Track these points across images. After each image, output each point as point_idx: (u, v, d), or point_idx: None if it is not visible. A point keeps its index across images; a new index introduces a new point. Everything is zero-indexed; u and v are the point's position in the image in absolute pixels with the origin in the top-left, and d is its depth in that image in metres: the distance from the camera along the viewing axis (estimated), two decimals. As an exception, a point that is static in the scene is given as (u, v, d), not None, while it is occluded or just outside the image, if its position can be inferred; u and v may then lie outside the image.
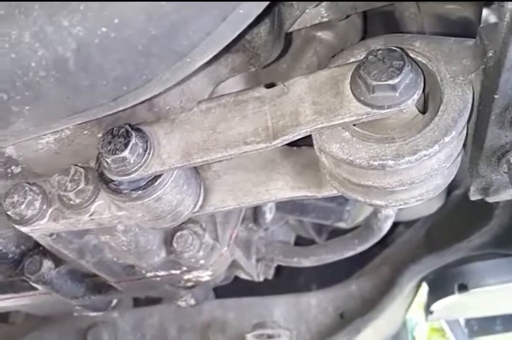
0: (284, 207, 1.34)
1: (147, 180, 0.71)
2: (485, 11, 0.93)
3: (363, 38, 1.02)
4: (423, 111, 0.68)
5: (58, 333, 1.59)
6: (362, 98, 0.62)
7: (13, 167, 0.82)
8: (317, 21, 0.83)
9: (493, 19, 0.94)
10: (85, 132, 0.76)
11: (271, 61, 0.80)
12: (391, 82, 0.60)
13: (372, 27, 1.02)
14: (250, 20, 0.53)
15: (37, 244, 0.99)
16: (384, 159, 0.64)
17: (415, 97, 0.62)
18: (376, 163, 0.64)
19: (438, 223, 1.50)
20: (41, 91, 0.52)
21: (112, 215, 0.76)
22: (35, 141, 0.77)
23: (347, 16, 0.87)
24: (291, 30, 0.82)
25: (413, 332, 2.95)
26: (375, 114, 0.62)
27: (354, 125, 0.67)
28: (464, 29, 0.90)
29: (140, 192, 0.71)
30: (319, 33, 0.95)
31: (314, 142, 0.72)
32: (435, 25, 0.95)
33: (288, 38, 0.90)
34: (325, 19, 0.83)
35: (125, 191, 0.71)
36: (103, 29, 0.47)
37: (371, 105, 0.62)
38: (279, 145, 0.68)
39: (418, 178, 0.68)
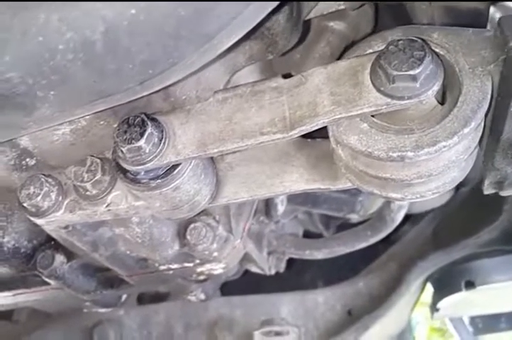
0: (296, 199, 1.33)
1: (166, 169, 0.71)
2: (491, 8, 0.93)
3: (374, 29, 1.03)
4: (441, 102, 0.68)
5: (63, 331, 1.59)
6: (381, 89, 0.62)
7: (27, 159, 0.81)
8: (333, 9, 0.83)
9: (498, 15, 0.95)
10: (101, 123, 0.76)
11: (288, 49, 0.79)
12: (411, 72, 0.60)
13: (383, 18, 1.02)
14: (275, 5, 0.53)
15: (49, 239, 0.99)
16: (403, 150, 0.64)
17: (435, 88, 0.61)
18: (395, 154, 0.64)
19: (445, 220, 1.50)
20: (68, 74, 0.51)
21: (129, 205, 0.76)
22: (51, 132, 0.76)
23: (361, 5, 0.87)
24: (308, 17, 0.82)
25: (414, 332, 2.94)
26: (395, 105, 0.62)
27: (372, 116, 0.67)
28: (474, 20, 0.90)
29: (158, 181, 0.70)
30: (331, 23, 0.95)
31: (330, 133, 0.72)
32: (445, 17, 0.95)
33: (306, 26, 0.90)
34: (341, 7, 0.83)
35: (143, 181, 0.71)
36: (132, 11, 0.47)
37: (391, 95, 0.62)
38: (296, 136, 0.68)
39: (435, 170, 0.68)
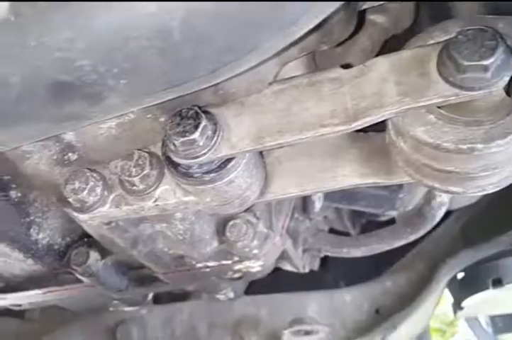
0: (333, 195, 1.31)
1: (219, 162, 0.69)
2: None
3: (415, 22, 1.01)
4: (508, 94, 0.66)
5: (86, 330, 1.56)
6: (450, 79, 0.60)
7: (70, 154, 0.79)
8: (384, 1, 0.81)
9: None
10: (148, 116, 0.74)
11: (343, 40, 0.77)
12: (484, 62, 0.58)
13: (422, 11, 1.00)
14: None
15: (83, 236, 0.97)
16: (473, 142, 0.62)
17: (506, 79, 0.59)
18: (465, 146, 0.62)
19: (474, 217, 1.48)
20: (140, 62, 0.49)
21: (178, 201, 0.74)
22: (97, 125, 0.74)
23: None
24: (364, 7, 0.80)
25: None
26: (464, 96, 0.60)
27: (438, 107, 0.65)
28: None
29: (212, 175, 0.68)
30: (372, 17, 0.94)
31: (390, 126, 0.70)
32: (485, 11, 0.94)
33: (361, 16, 0.88)
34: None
35: (196, 175, 0.69)
36: None
37: (460, 86, 0.60)
38: (360, 127, 0.66)
39: (502, 162, 0.66)
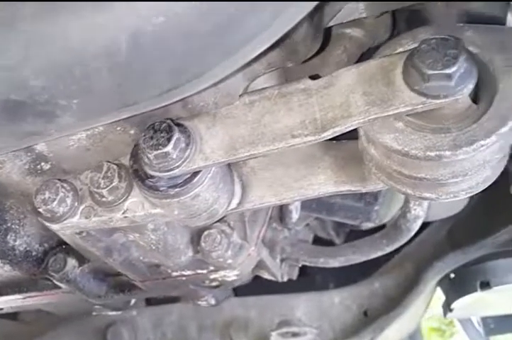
0: (310, 206, 1.31)
1: (185, 177, 0.69)
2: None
3: (392, 36, 1.01)
4: (475, 101, 0.66)
5: (77, 332, 1.57)
6: (416, 88, 0.60)
7: (42, 163, 0.80)
8: (354, 17, 0.82)
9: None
10: (118, 129, 0.74)
11: (309, 57, 0.78)
12: (447, 71, 0.58)
13: (399, 24, 1.00)
14: (301, 17, 0.52)
15: (60, 242, 0.97)
16: (440, 149, 0.62)
17: (471, 86, 0.59)
18: (432, 153, 0.62)
19: (461, 220, 1.48)
20: (92, 83, 0.49)
21: (146, 213, 0.74)
22: (67, 137, 0.74)
23: (382, 14, 0.85)
24: (329, 25, 0.81)
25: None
26: (430, 104, 0.60)
27: (407, 115, 0.65)
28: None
29: (177, 189, 0.68)
30: (349, 30, 0.94)
31: (362, 133, 0.70)
32: (461, 22, 0.94)
33: (327, 34, 0.89)
34: (363, 15, 0.81)
35: (162, 188, 0.69)
36: (161, 18, 0.45)
37: (425, 94, 0.60)
38: (329, 137, 0.66)
39: (471, 169, 0.66)
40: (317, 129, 0.65)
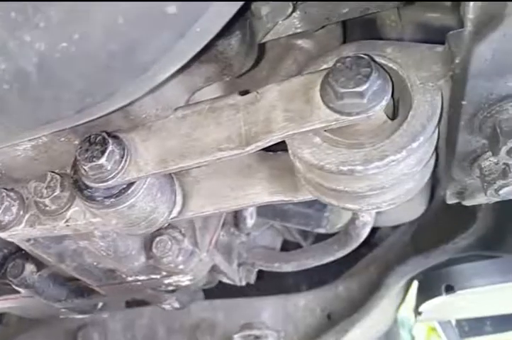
0: (265, 212, 1.35)
1: (120, 188, 0.72)
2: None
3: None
4: (393, 117, 0.68)
5: (48, 334, 1.60)
6: (331, 105, 0.63)
7: None
8: (291, 32, 0.84)
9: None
10: (62, 139, 0.77)
11: (245, 71, 0.80)
12: (358, 89, 0.60)
13: (353, 35, 1.02)
14: (211, 36, 0.53)
15: (19, 248, 1.00)
16: (352, 164, 0.64)
17: (383, 103, 0.62)
18: (345, 168, 0.65)
19: (424, 225, 1.50)
20: (5, 103, 0.53)
21: (87, 222, 0.77)
22: (13, 147, 0.77)
23: (323, 26, 0.87)
24: (265, 40, 0.83)
25: (412, 331, 2.95)
26: (344, 120, 0.63)
27: (325, 130, 0.67)
28: (445, 37, 0.90)
29: (112, 200, 0.71)
30: (299, 41, 0.96)
31: (288, 147, 0.73)
32: (415, 33, 0.95)
33: (263, 48, 0.91)
34: (300, 30, 0.84)
35: (98, 199, 0.72)
36: (64, 44, 0.48)
37: (339, 111, 0.62)
38: (253, 151, 0.69)
39: (387, 182, 0.68)
40: (241, 143, 0.68)
